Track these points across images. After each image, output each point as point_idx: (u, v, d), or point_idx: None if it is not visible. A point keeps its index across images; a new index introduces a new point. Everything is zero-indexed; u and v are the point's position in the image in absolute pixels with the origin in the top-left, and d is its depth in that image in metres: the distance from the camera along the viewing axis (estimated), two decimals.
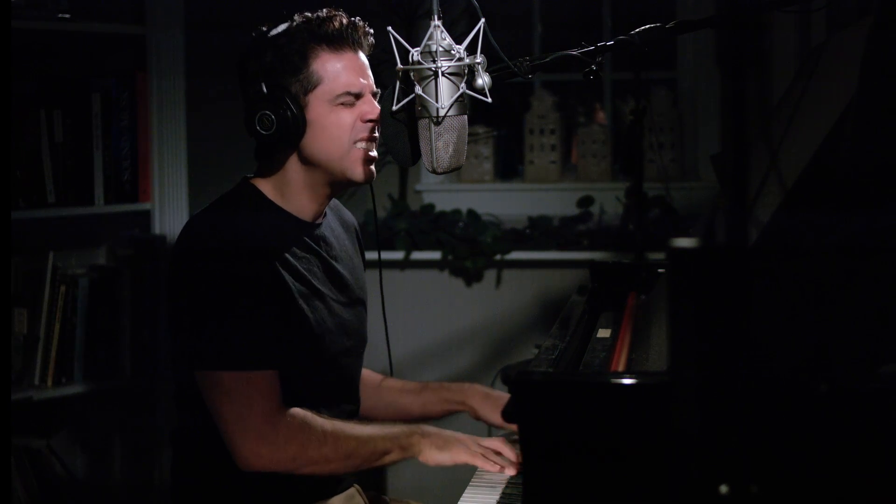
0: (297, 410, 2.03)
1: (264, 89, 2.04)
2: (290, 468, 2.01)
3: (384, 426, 2.10)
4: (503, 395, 2.34)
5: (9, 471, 2.69)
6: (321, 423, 2.03)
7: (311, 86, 2.05)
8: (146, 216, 3.24)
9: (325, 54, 2.05)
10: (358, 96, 2.07)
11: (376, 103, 2.09)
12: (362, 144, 2.08)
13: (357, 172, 2.09)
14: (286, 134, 2.04)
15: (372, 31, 2.12)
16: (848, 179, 1.65)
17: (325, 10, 2.08)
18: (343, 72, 2.06)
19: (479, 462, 2.07)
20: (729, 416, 1.19)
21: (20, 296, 3.12)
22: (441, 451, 2.07)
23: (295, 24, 2.07)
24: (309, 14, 2.08)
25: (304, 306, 2.06)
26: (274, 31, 2.07)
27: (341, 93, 2.06)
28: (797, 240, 1.67)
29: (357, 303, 2.22)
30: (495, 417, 2.31)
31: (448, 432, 2.12)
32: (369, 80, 2.10)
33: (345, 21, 2.07)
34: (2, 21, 2.38)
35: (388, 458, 2.07)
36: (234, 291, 1.99)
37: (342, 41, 2.07)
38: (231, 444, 1.99)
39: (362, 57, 2.10)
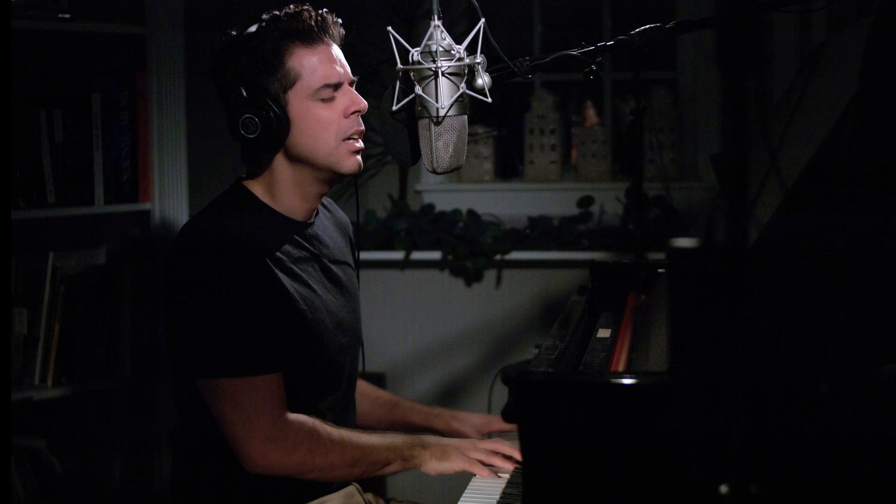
0: (305, 417, 2.04)
1: (244, 92, 2.04)
2: (296, 473, 2.02)
3: (386, 436, 2.11)
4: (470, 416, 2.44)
5: (9, 471, 2.69)
6: (329, 430, 2.05)
7: (289, 83, 2.05)
8: (146, 216, 3.24)
9: (299, 50, 2.06)
10: (337, 87, 2.07)
11: (356, 93, 2.09)
12: (350, 139, 2.08)
13: (344, 165, 2.09)
14: (271, 135, 2.04)
15: (341, 20, 2.12)
16: (848, 179, 1.65)
17: (292, 6, 2.09)
18: (319, 65, 2.06)
19: (476, 469, 2.09)
20: (729, 416, 1.19)
21: (20, 296, 3.12)
22: (440, 461, 2.10)
23: (264, 23, 2.07)
24: (277, 12, 2.08)
25: (303, 307, 2.06)
26: (245, 33, 2.07)
27: (320, 86, 2.06)
28: (797, 240, 1.67)
29: (351, 301, 2.23)
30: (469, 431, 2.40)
31: (447, 440, 2.14)
32: (346, 69, 2.10)
33: (313, 14, 2.08)
34: (2, 21, 2.38)
35: (389, 469, 2.10)
36: (232, 296, 1.99)
37: (314, 35, 2.07)
38: (239, 449, 2.00)
39: (335, 48, 2.10)
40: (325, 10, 2.10)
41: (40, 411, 3.13)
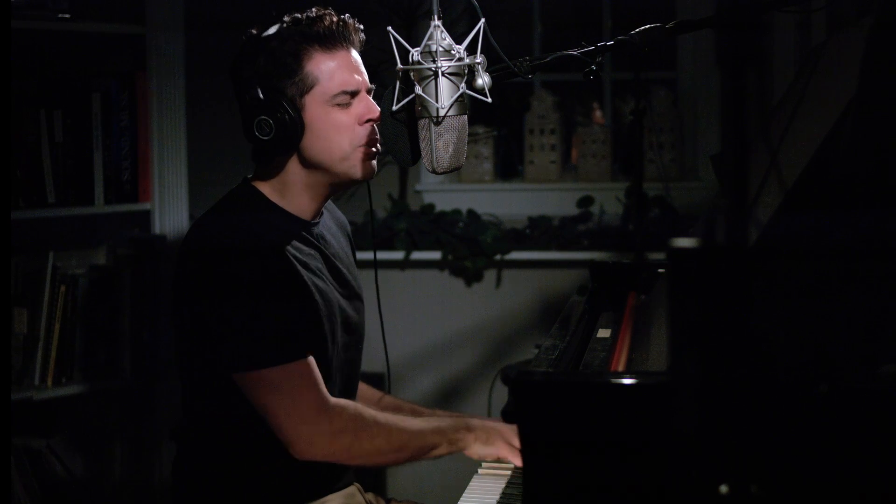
0: (346, 402, 2.04)
1: (260, 94, 2.03)
2: (343, 458, 2.02)
3: (431, 420, 2.10)
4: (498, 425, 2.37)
5: (9, 471, 2.69)
6: (373, 414, 2.04)
7: (306, 87, 2.04)
8: (146, 216, 3.24)
9: (318, 55, 2.05)
10: (354, 94, 2.07)
11: (372, 101, 2.09)
12: (364, 146, 2.08)
13: (358, 171, 2.09)
14: (285, 138, 2.03)
15: (362, 26, 2.11)
16: (848, 179, 1.65)
17: (314, 9, 2.07)
18: (337, 71, 2.05)
19: (517, 460, 2.06)
20: (729, 416, 1.19)
21: (20, 296, 3.12)
22: (485, 445, 2.08)
23: (285, 25, 2.05)
24: (298, 15, 2.06)
25: (319, 299, 2.06)
26: (265, 34, 2.06)
27: (337, 92, 2.05)
28: (797, 240, 1.67)
29: (356, 298, 2.23)
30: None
31: (492, 424, 2.12)
32: (364, 76, 2.09)
33: (335, 19, 2.06)
34: (2, 21, 2.38)
35: (436, 452, 2.08)
36: (258, 288, 1.98)
37: (334, 40, 2.06)
38: (285, 437, 1.99)
39: (355, 54, 2.09)
40: (347, 14, 2.09)
41: (40, 411, 3.13)
